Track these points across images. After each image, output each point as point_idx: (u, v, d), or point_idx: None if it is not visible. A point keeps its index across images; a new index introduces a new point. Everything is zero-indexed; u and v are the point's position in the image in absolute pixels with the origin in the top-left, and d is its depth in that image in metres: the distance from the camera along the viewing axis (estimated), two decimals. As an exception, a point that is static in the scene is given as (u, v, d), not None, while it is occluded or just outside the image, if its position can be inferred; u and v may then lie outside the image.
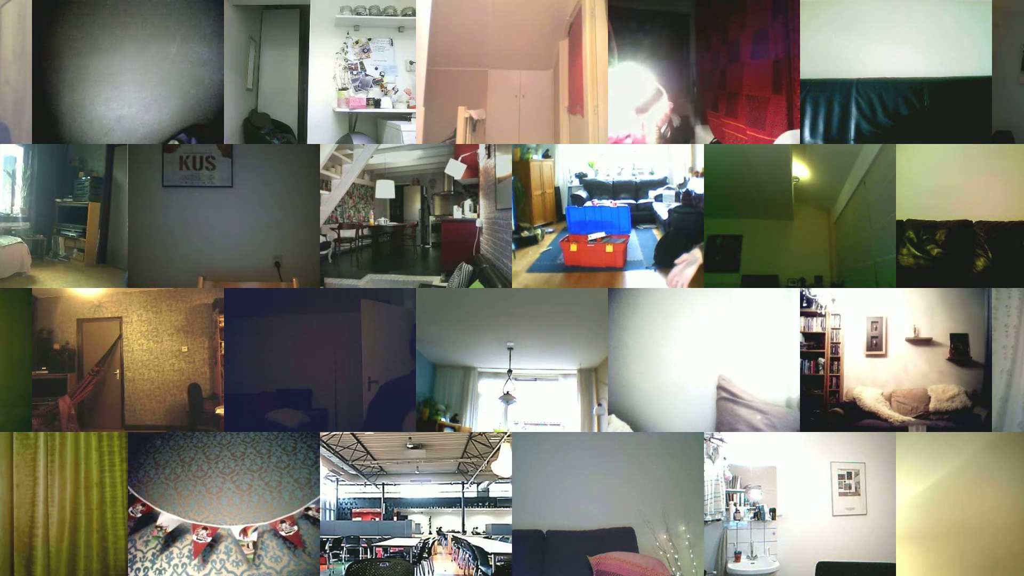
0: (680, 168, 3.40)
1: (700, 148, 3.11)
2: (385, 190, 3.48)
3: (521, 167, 3.31)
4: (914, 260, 2.90)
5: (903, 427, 2.84)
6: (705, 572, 2.83)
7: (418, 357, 2.88)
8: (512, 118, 4.42)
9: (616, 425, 2.84)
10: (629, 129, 3.26)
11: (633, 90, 3.34)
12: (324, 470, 2.93)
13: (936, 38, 3.00)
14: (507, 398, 2.96)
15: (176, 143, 2.96)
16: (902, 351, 2.92)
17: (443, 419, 2.96)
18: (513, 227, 3.04)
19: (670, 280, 2.70)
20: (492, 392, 2.98)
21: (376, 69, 3.84)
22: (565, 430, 2.97)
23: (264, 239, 3.23)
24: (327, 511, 2.97)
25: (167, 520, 2.90)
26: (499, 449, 2.97)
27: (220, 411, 2.92)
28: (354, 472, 3.04)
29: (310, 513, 2.93)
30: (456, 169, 3.28)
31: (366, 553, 2.95)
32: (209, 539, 2.86)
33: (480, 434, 2.98)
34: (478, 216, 3.37)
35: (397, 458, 3.02)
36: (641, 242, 3.35)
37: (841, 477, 2.91)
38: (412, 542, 2.99)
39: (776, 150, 3.01)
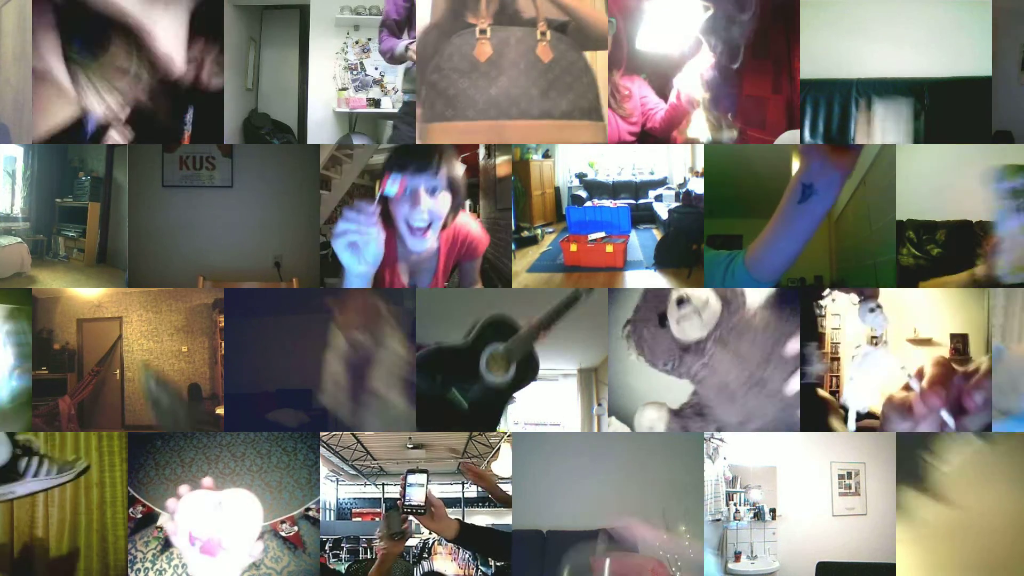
0: (680, 168, 3.40)
1: (700, 148, 3.11)
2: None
3: (521, 167, 3.31)
4: (914, 260, 2.90)
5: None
6: (705, 572, 2.82)
7: (418, 357, 2.87)
8: (512, 118, 4.42)
9: (616, 425, 2.84)
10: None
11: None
12: (324, 470, 2.93)
13: (936, 38, 3.00)
14: (507, 398, 2.96)
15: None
16: (902, 351, 2.91)
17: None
18: (513, 227, 3.04)
19: None
20: (492, 392, 2.97)
21: (376, 69, 3.84)
22: (565, 430, 2.97)
23: (264, 239, 3.23)
24: (327, 511, 2.96)
25: (167, 521, 2.89)
26: (499, 449, 2.97)
27: (220, 411, 2.92)
28: (354, 472, 3.04)
29: (310, 513, 2.93)
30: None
31: (366, 553, 2.95)
32: (209, 539, 2.85)
33: (480, 434, 2.98)
34: (478, 216, 3.37)
35: (397, 458, 3.02)
36: (641, 242, 3.34)
37: (841, 477, 2.91)
38: (412, 542, 2.99)
39: (776, 150, 3.01)
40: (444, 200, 2.74)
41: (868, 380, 2.42)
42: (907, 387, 2.47)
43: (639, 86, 3.22)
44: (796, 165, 2.45)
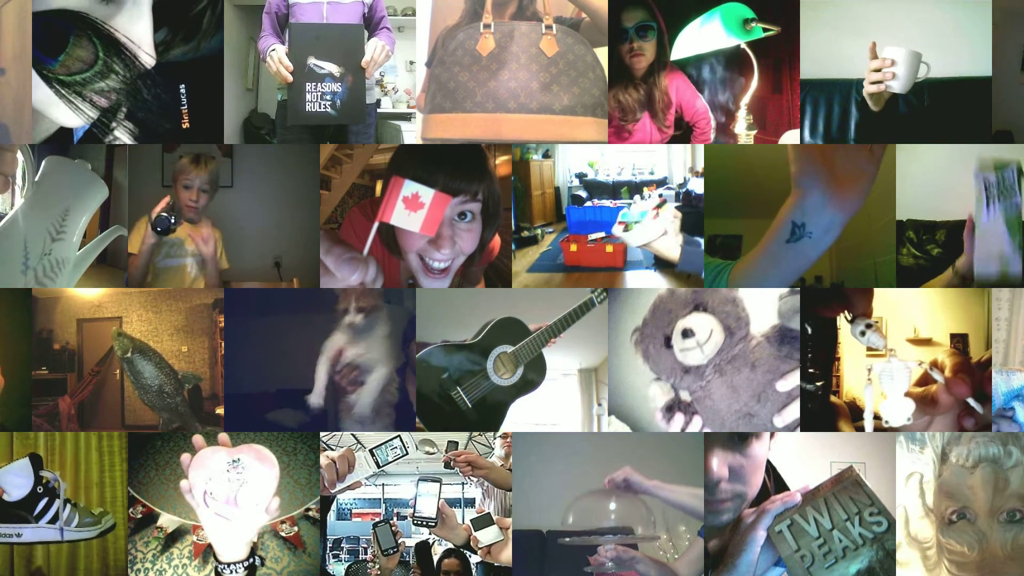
0: (680, 168, 3.40)
1: (700, 148, 3.11)
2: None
3: (521, 167, 3.31)
4: (914, 260, 2.90)
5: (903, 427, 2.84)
6: (705, 571, 2.82)
7: (418, 357, 2.88)
8: (512, 118, 4.41)
9: (616, 425, 2.84)
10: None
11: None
12: (324, 470, 2.93)
13: (936, 38, 3.00)
14: (507, 398, 2.96)
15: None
16: (902, 351, 2.91)
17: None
18: (513, 227, 3.04)
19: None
20: (492, 392, 2.98)
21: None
22: (565, 430, 2.97)
23: (264, 239, 3.23)
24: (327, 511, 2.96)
25: (167, 521, 2.90)
26: (499, 449, 2.98)
27: (220, 411, 2.93)
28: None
29: (310, 513, 2.93)
30: (456, 169, 3.27)
31: (366, 553, 2.95)
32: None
33: (480, 434, 2.98)
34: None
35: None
36: (641, 242, 3.34)
37: (841, 477, 2.91)
38: (412, 542, 2.99)
39: (776, 150, 3.01)
40: (475, 231, 2.50)
41: (897, 392, 2.41)
42: (924, 379, 2.44)
43: (681, 92, 3.12)
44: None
